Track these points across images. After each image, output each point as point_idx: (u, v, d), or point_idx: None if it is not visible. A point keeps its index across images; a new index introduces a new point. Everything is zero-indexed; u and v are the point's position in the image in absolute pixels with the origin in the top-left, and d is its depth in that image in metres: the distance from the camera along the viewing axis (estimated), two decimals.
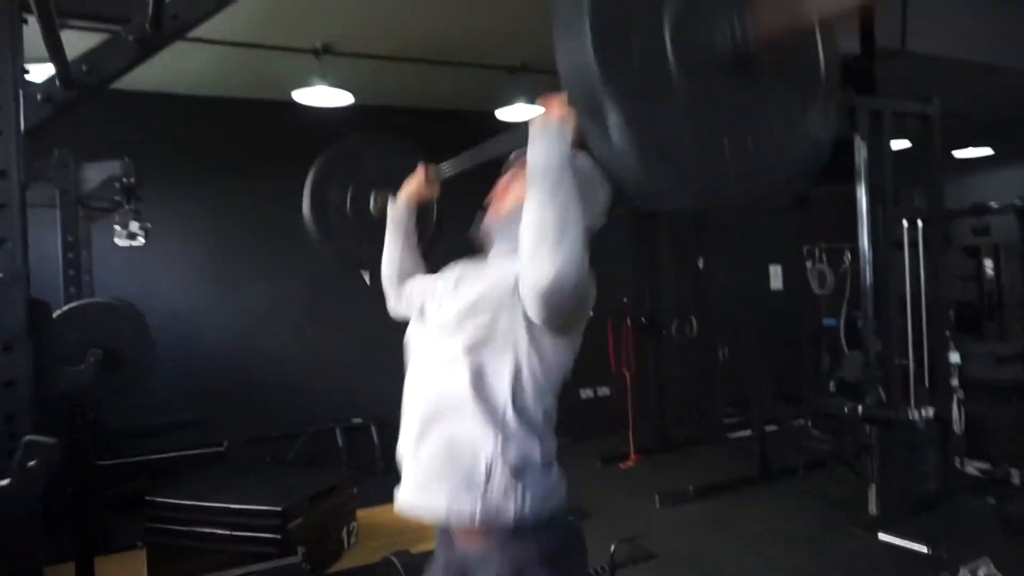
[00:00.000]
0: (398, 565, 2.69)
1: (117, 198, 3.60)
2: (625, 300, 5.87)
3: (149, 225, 3.69)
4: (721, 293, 6.10)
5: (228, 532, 3.39)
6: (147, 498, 3.58)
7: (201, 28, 1.74)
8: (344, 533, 3.83)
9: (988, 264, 8.66)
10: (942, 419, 4.24)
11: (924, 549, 3.48)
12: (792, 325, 5.97)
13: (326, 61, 4.68)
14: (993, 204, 7.52)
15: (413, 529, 4.03)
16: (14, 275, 1.52)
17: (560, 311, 1.24)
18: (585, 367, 5.87)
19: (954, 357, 4.39)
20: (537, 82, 5.35)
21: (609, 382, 6.43)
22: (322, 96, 4.91)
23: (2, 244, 1.53)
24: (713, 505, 4.46)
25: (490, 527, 1.30)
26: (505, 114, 5.58)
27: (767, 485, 4.77)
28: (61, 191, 3.13)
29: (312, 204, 1.93)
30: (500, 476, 1.28)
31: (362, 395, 5.67)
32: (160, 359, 3.54)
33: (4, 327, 1.51)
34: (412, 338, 1.53)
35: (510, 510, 1.27)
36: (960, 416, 4.42)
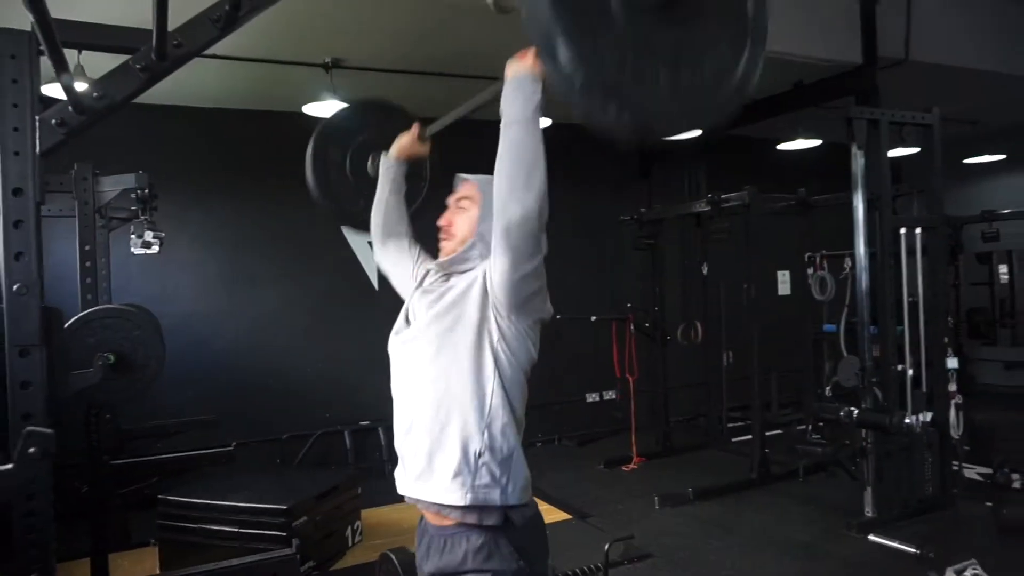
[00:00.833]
0: (396, 561, 2.80)
1: (133, 208, 3.77)
2: (629, 305, 5.95)
3: (163, 234, 3.85)
4: (727, 299, 6.16)
5: (236, 529, 3.53)
6: (159, 496, 3.73)
7: (216, 45, 1.86)
8: (348, 532, 3.95)
9: (1002, 270, 8.64)
10: (939, 424, 4.28)
11: (913, 550, 3.53)
12: (796, 331, 6.02)
13: (336, 75, 4.83)
14: (1005, 211, 7.54)
15: (415, 529, 4.17)
16: (30, 285, 1.65)
17: (528, 247, 1.37)
18: (591, 371, 6.08)
19: (952, 362, 4.42)
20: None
21: (614, 386, 6.52)
22: (332, 109, 5.04)
23: (19, 257, 1.66)
24: (711, 508, 4.53)
25: (478, 513, 1.42)
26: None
27: (766, 489, 4.83)
28: (80, 203, 3.28)
29: (314, 163, 2.03)
30: (486, 465, 1.42)
31: (369, 398, 5.79)
32: (173, 362, 3.70)
33: (21, 333, 1.64)
34: (393, 343, 1.64)
35: (495, 495, 1.41)
36: (959, 421, 4.45)
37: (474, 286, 1.49)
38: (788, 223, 5.99)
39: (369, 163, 2.06)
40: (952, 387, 4.44)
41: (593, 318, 5.84)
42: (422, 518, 1.59)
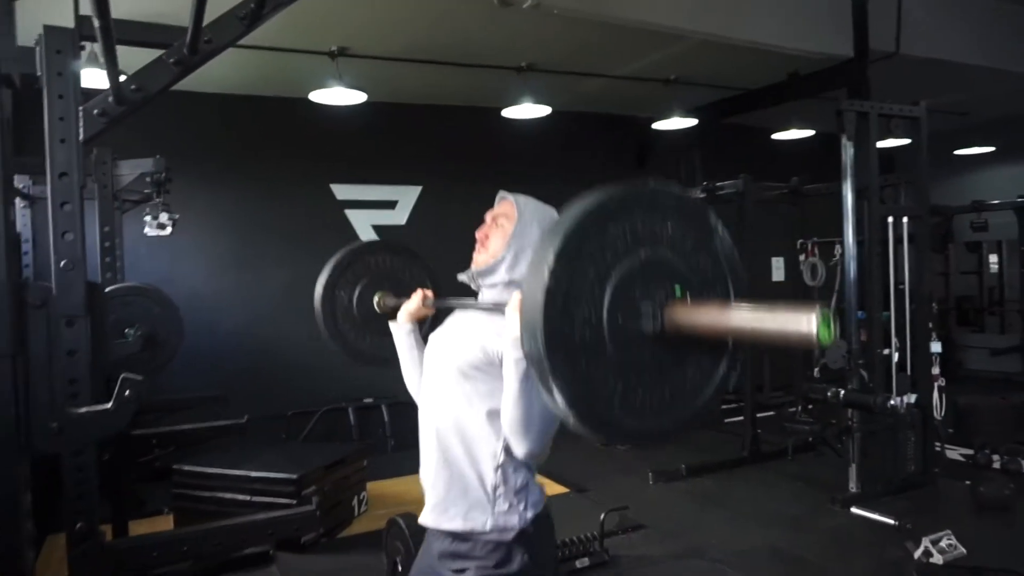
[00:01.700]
0: (403, 525, 2.96)
1: (148, 191, 3.91)
2: None
3: (177, 216, 3.98)
4: None
5: (248, 498, 3.71)
6: (174, 467, 3.91)
7: None
8: (355, 502, 4.13)
9: (992, 260, 8.80)
10: (923, 406, 4.46)
11: (891, 522, 3.72)
12: None
13: (341, 62, 4.95)
14: (994, 202, 7.69)
15: (420, 500, 4.34)
16: (75, 262, 1.81)
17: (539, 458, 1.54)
18: None
19: (935, 347, 4.59)
20: (541, 82, 5.60)
21: None
22: (337, 96, 5.17)
23: (65, 235, 1.82)
24: (703, 483, 4.72)
25: (498, 533, 1.56)
26: (511, 112, 5.82)
27: (756, 466, 5.02)
28: (99, 186, 3.42)
29: (323, 306, 2.15)
30: (504, 497, 1.56)
31: (373, 376, 5.92)
32: (185, 339, 3.86)
33: (68, 305, 1.79)
34: (412, 386, 1.77)
35: (514, 520, 1.56)
36: (941, 403, 4.64)
37: (485, 338, 1.56)
38: (782, 211, 6.14)
39: (375, 301, 2.15)
40: (935, 370, 4.61)
41: None
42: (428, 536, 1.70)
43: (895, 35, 5.32)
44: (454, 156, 6.49)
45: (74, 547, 1.80)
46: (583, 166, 6.88)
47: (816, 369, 5.42)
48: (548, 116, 5.96)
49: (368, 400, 5.96)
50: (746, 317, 1.08)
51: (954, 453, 5.02)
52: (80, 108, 1.81)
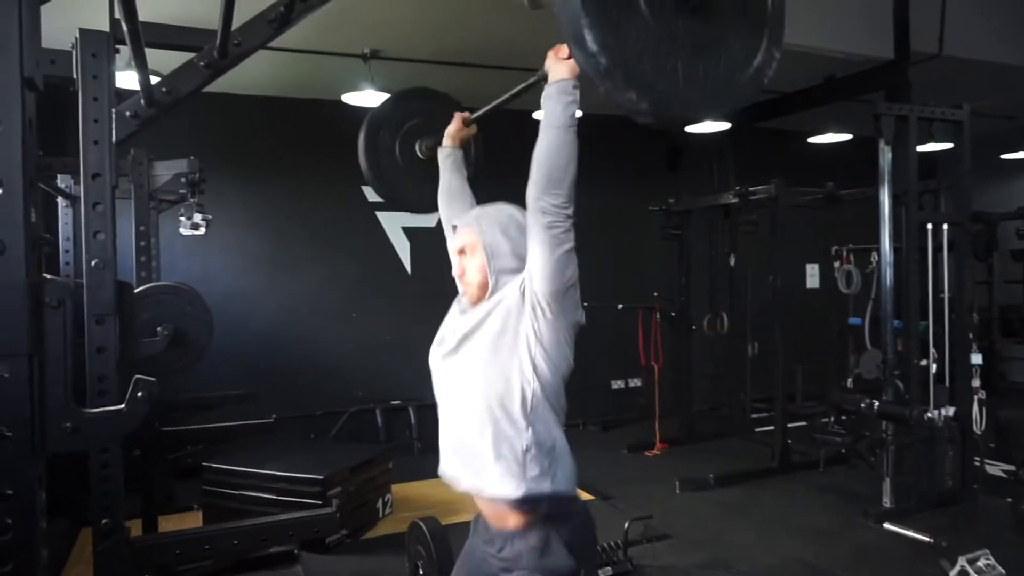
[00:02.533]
0: (425, 529, 2.96)
1: (183, 191, 3.98)
2: (656, 294, 6.05)
3: (211, 216, 4.05)
4: (753, 290, 6.22)
5: (275, 497, 3.75)
6: (204, 464, 3.97)
7: None
8: (380, 503, 4.15)
9: None
10: (962, 419, 4.32)
11: (926, 539, 3.61)
12: (823, 323, 6.06)
13: (373, 65, 4.99)
14: None
15: (444, 503, 4.36)
16: (106, 261, 1.84)
17: (561, 228, 1.52)
18: (617, 359, 6.19)
19: (976, 358, 4.45)
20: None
21: (639, 374, 6.63)
22: (369, 98, 5.21)
23: (96, 235, 1.85)
24: (731, 494, 4.64)
25: (531, 503, 1.55)
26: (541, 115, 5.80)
27: (786, 477, 4.92)
28: (136, 186, 3.49)
29: (366, 149, 2.22)
30: (534, 461, 1.53)
31: (401, 378, 6.00)
32: (216, 338, 3.91)
33: (97, 304, 1.83)
34: (434, 357, 1.74)
35: (546, 486, 1.53)
36: (982, 417, 4.49)
37: (511, 296, 1.59)
38: (816, 216, 6.01)
39: (417, 148, 2.24)
40: (976, 383, 4.47)
41: (620, 306, 5.95)
42: (479, 514, 1.71)
43: (938, 36, 5.18)
44: (486, 158, 6.48)
45: (100, 543, 1.83)
46: (614, 170, 6.83)
47: (850, 379, 5.29)
48: (580, 120, 5.92)
49: (396, 402, 5.99)
50: None
51: (995, 469, 4.86)
52: (114, 111, 1.85)
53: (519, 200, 1.76)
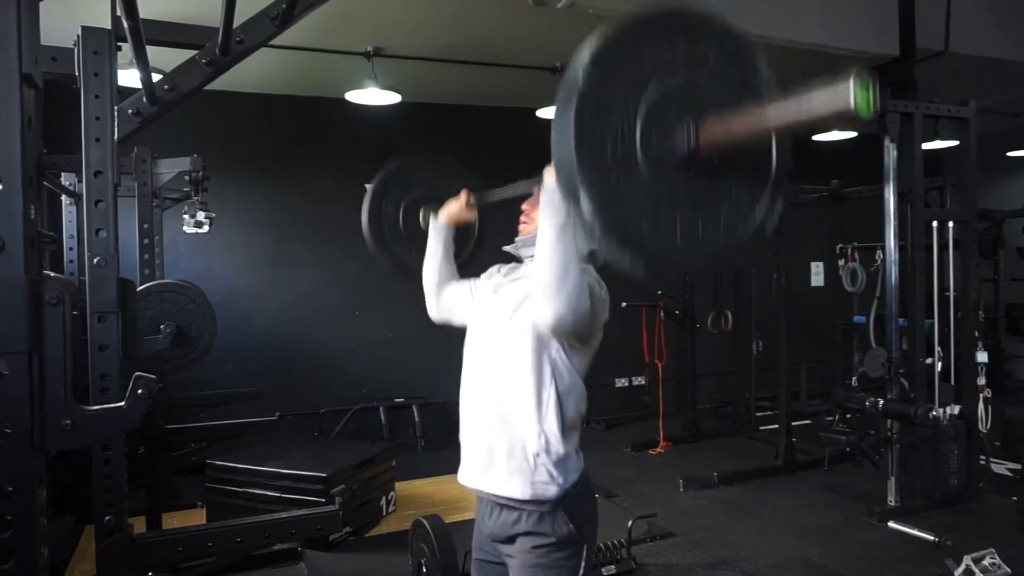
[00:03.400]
0: (428, 527, 2.96)
1: (186, 189, 3.98)
2: (660, 292, 6.03)
3: (214, 214, 4.05)
4: (759, 288, 6.20)
5: (278, 494, 3.75)
6: (208, 461, 3.97)
7: None
8: (383, 501, 4.15)
9: None
10: (967, 417, 4.30)
11: (931, 538, 3.59)
12: (827, 322, 6.04)
13: (376, 63, 4.98)
14: None
15: (448, 501, 4.36)
16: (108, 258, 1.84)
17: (568, 336, 1.52)
18: (621, 357, 6.17)
19: (981, 356, 4.43)
20: None
21: (643, 372, 6.62)
22: (372, 96, 5.21)
23: (99, 232, 1.85)
24: (735, 492, 4.62)
25: (536, 504, 1.57)
26: (546, 112, 5.79)
27: (790, 476, 4.90)
28: (139, 184, 3.50)
29: (369, 216, 2.18)
30: (544, 465, 1.56)
31: (404, 376, 6.01)
32: (217, 336, 3.91)
33: (100, 301, 1.82)
34: (467, 341, 1.75)
35: (552, 491, 1.56)
36: (987, 415, 4.46)
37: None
38: (821, 214, 5.99)
39: (420, 216, 2.17)
40: (981, 381, 4.45)
41: (623, 304, 5.93)
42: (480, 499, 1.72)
43: (944, 33, 5.15)
44: (488, 156, 6.42)
45: (102, 540, 1.83)
46: None
47: (855, 377, 5.28)
48: None
49: (399, 400, 5.99)
50: (780, 106, 1.03)
51: (1001, 468, 4.83)
52: (115, 108, 1.85)
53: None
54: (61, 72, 1.83)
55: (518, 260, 1.81)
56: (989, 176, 6.07)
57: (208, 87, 2.01)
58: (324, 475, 3.67)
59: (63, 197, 4.50)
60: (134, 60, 1.74)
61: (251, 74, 5.30)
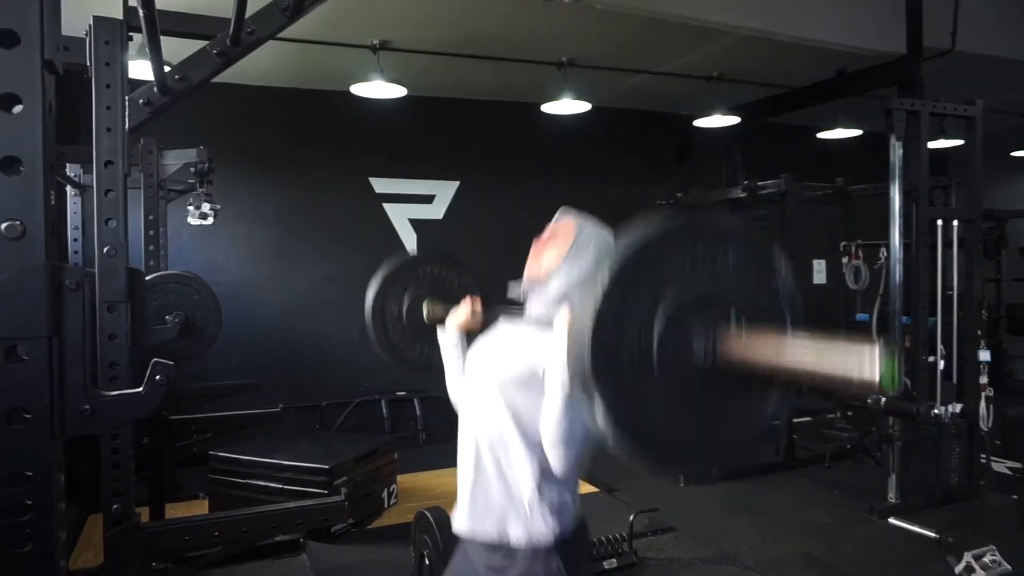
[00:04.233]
0: (431, 519, 2.97)
1: (192, 181, 3.98)
2: None
3: (219, 206, 4.05)
4: None
5: (281, 486, 3.77)
6: (211, 452, 3.99)
7: None
8: (385, 494, 4.16)
9: None
10: (969, 416, 4.31)
11: (932, 534, 3.61)
12: (830, 319, 6.05)
13: (382, 56, 4.98)
14: None
15: (449, 494, 4.35)
16: (118, 247, 1.85)
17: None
18: None
19: (984, 355, 4.43)
20: (582, 78, 5.55)
21: None
22: (378, 89, 5.21)
23: (108, 222, 1.86)
24: (736, 488, 4.64)
25: (531, 548, 1.57)
26: (551, 108, 5.78)
27: (792, 472, 4.92)
28: (145, 175, 3.50)
29: (373, 318, 2.18)
30: (539, 511, 1.56)
31: (405, 370, 6.00)
32: (223, 327, 3.92)
33: (109, 291, 1.83)
34: (454, 394, 1.76)
35: (548, 535, 1.56)
36: (989, 414, 4.47)
37: (531, 354, 1.56)
38: (825, 212, 5.99)
39: (424, 311, 2.15)
40: (983, 380, 4.45)
41: None
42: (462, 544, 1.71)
43: (951, 31, 5.14)
44: (493, 151, 6.48)
45: (110, 528, 1.84)
46: (622, 163, 6.83)
47: None
48: (588, 112, 5.91)
49: (401, 393, 6.00)
50: (802, 354, 1.04)
51: (1001, 466, 4.84)
52: (127, 98, 1.85)
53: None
54: (72, 62, 1.82)
55: (519, 304, 1.75)
56: (992, 176, 6.06)
57: (217, 79, 2.01)
58: (327, 467, 3.68)
59: (68, 188, 4.50)
60: (148, 49, 1.74)
61: (257, 66, 5.28)
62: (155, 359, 0.92)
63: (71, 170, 4.36)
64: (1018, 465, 4.76)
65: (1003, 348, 7.76)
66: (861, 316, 5.57)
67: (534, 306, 1.67)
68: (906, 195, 4.23)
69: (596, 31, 4.85)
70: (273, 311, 5.87)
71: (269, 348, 5.75)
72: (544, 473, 1.56)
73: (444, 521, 2.97)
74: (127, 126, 1.84)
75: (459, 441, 1.71)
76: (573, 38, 5.02)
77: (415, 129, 6.20)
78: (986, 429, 4.47)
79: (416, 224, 6.28)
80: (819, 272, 7.43)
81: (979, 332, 4.50)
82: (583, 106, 5.73)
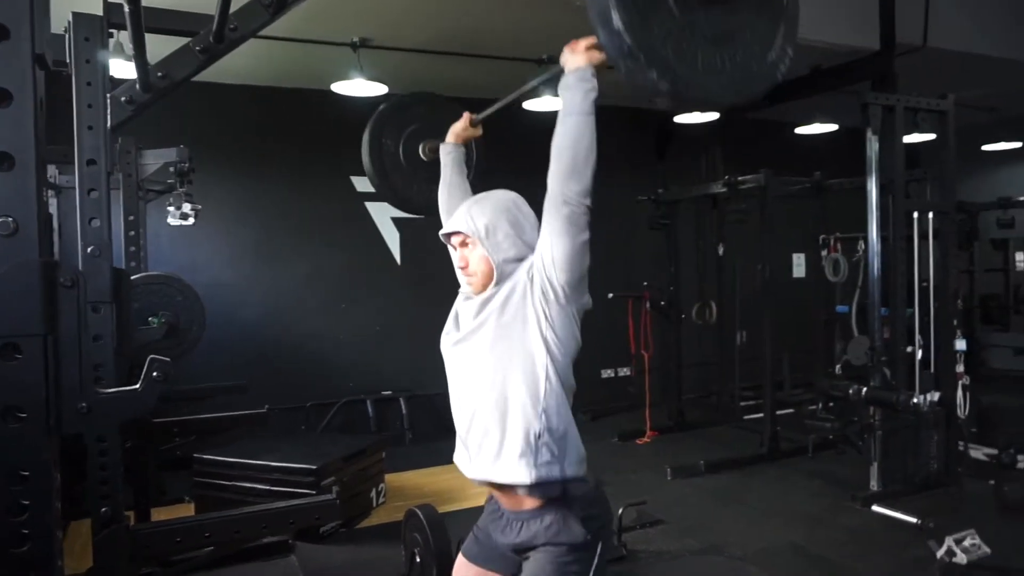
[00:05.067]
0: (422, 517, 2.97)
1: (171, 181, 3.94)
2: (645, 284, 6.07)
3: (200, 206, 4.01)
4: (742, 279, 6.27)
5: (267, 488, 3.74)
6: (195, 455, 3.94)
7: None
8: (373, 493, 4.15)
9: (1019, 257, 8.64)
10: (947, 404, 4.39)
11: (913, 520, 3.67)
12: (810, 312, 6.13)
13: (363, 54, 4.95)
14: (1021, 198, 7.54)
15: (437, 492, 4.37)
16: (102, 247, 1.83)
17: (583, 219, 1.56)
18: (606, 348, 6.22)
19: (960, 344, 4.52)
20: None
21: (629, 363, 6.67)
22: (358, 87, 5.18)
23: (92, 221, 1.83)
24: (722, 480, 4.69)
25: (543, 488, 1.57)
26: (532, 104, 5.79)
27: (775, 463, 4.98)
28: (124, 175, 3.45)
29: (370, 151, 2.24)
30: (546, 447, 1.55)
31: (391, 368, 6.00)
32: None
33: (94, 291, 1.81)
34: (445, 345, 1.72)
35: (557, 473, 1.56)
36: (965, 402, 4.56)
37: (519, 283, 1.60)
38: (804, 206, 6.07)
39: (420, 150, 2.24)
40: (960, 368, 4.54)
41: (610, 295, 5.96)
42: (491, 496, 1.73)
43: (923, 27, 5.23)
44: (488, 162, 6.46)
45: (99, 531, 1.82)
46: (603, 159, 6.76)
47: (838, 366, 5.36)
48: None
49: (387, 393, 5.99)
50: None
51: (978, 452, 4.94)
52: (108, 96, 1.83)
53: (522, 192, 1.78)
54: (56, 58, 1.80)
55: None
56: (964, 169, 6.19)
57: (195, 78, 1.99)
58: (314, 467, 3.66)
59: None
60: (131, 45, 1.72)
61: (236, 65, 5.23)
62: (152, 356, 0.91)
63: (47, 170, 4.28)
64: (994, 451, 4.86)
65: (976, 338, 7.91)
66: (841, 308, 5.65)
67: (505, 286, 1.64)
68: (883, 188, 4.30)
69: (576, 28, 4.84)
70: (255, 311, 5.82)
71: (251, 348, 5.70)
72: (547, 410, 1.55)
73: (435, 519, 2.97)
74: (109, 124, 1.82)
75: (452, 384, 1.70)
76: (553, 34, 5.01)
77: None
78: (963, 417, 4.56)
79: (399, 223, 6.25)
80: (799, 266, 7.52)
81: (955, 322, 4.59)
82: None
